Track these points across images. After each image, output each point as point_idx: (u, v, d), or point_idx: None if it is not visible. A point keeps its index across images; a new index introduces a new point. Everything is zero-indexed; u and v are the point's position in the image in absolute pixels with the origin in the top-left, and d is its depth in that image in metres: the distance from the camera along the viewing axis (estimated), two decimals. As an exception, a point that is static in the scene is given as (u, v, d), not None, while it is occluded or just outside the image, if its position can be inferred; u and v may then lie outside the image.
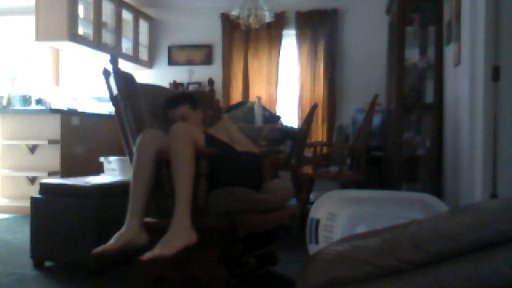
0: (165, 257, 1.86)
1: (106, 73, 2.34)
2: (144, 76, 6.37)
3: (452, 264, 1.32)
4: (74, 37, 5.09)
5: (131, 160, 2.23)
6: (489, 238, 1.31)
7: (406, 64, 4.41)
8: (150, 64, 6.64)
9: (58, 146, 4.38)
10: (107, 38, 5.74)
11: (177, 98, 2.53)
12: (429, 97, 4.54)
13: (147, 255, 1.86)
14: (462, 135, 3.41)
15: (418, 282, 1.33)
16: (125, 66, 5.96)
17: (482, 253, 1.31)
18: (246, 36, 6.24)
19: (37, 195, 2.79)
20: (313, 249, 2.48)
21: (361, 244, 1.53)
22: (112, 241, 2.02)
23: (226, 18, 6.22)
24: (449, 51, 3.96)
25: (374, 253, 1.42)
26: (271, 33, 6.17)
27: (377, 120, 5.11)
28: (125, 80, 2.33)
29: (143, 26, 6.48)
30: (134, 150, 2.16)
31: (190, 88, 6.34)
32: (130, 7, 6.13)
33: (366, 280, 1.40)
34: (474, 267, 1.28)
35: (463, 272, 1.29)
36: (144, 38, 6.49)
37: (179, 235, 1.92)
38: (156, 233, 2.00)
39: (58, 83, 6.37)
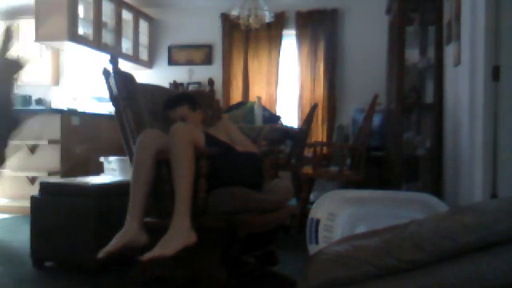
0: (165, 257, 1.86)
1: (106, 73, 2.34)
2: (144, 76, 6.37)
3: (452, 264, 1.32)
4: (74, 37, 5.09)
5: (131, 160, 2.24)
6: (488, 239, 1.31)
7: (406, 64, 4.41)
8: (150, 64, 6.63)
9: (58, 145, 4.38)
10: (107, 38, 5.74)
11: (176, 98, 2.53)
12: (429, 97, 4.54)
13: (147, 255, 1.86)
14: (462, 135, 3.41)
15: (418, 281, 1.33)
16: (125, 66, 5.95)
17: (481, 253, 1.31)
18: (245, 36, 6.23)
19: (37, 195, 2.79)
20: (313, 249, 2.48)
21: (360, 244, 1.53)
22: (113, 241, 2.02)
23: (226, 18, 6.22)
24: (449, 51, 3.96)
25: (374, 252, 1.42)
26: (271, 33, 6.17)
27: (377, 120, 5.11)
28: (125, 80, 2.33)
29: (143, 26, 6.48)
30: (134, 150, 2.16)
31: (190, 88, 6.34)
32: (130, 7, 6.13)
33: (365, 280, 1.40)
34: (474, 267, 1.28)
35: (463, 272, 1.29)
36: (144, 37, 6.49)
37: (179, 235, 1.92)
38: (156, 233, 2.00)
39: (57, 83, 6.37)
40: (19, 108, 4.68)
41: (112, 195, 2.69)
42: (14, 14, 6.24)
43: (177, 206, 1.98)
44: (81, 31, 5.27)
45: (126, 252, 2.04)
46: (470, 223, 1.35)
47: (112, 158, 3.16)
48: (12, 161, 4.57)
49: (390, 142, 4.62)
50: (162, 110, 2.49)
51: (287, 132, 4.46)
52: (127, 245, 2.02)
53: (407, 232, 1.46)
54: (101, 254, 1.98)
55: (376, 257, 1.40)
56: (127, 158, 2.38)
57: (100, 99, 5.58)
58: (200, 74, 6.39)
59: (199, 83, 6.41)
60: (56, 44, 5.33)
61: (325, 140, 5.91)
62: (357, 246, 1.52)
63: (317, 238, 2.53)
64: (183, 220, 1.96)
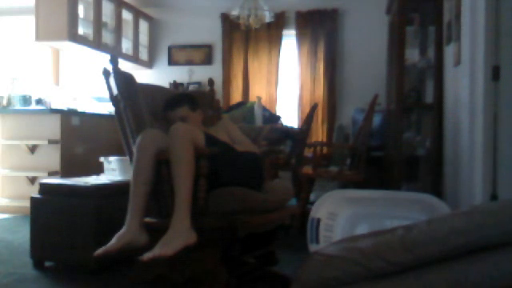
0: (165, 257, 1.86)
1: (105, 73, 2.34)
2: (144, 76, 6.37)
3: (440, 267, 1.32)
4: (74, 37, 5.09)
5: (131, 160, 2.23)
6: (477, 243, 1.30)
7: (406, 64, 4.41)
8: (150, 64, 6.63)
9: (58, 146, 4.38)
10: (107, 37, 5.74)
11: (176, 98, 2.52)
12: (429, 97, 4.54)
13: (147, 255, 1.86)
14: (462, 135, 3.41)
15: (406, 284, 1.33)
16: (125, 66, 5.96)
17: (470, 257, 1.31)
18: (246, 36, 6.24)
19: (37, 195, 2.79)
20: (313, 248, 2.49)
21: (352, 245, 1.53)
22: (113, 241, 2.02)
23: (226, 18, 6.22)
24: (449, 51, 3.96)
25: (363, 254, 1.42)
26: (271, 33, 6.17)
27: (377, 120, 5.11)
28: (125, 80, 2.33)
29: (143, 25, 6.48)
30: (134, 150, 2.16)
31: (190, 88, 6.34)
32: (130, 7, 6.13)
33: (353, 281, 1.40)
34: (462, 271, 1.28)
35: (452, 276, 1.29)
36: (144, 38, 6.49)
37: (179, 235, 1.92)
38: (156, 233, 2.00)
39: (57, 83, 6.37)
40: (19, 108, 4.68)
41: (112, 195, 2.69)
42: (14, 13, 6.25)
43: (177, 206, 1.98)
44: (81, 31, 5.27)
45: (126, 252, 2.04)
46: (459, 227, 1.34)
47: (112, 158, 3.15)
48: (12, 161, 4.58)
49: (390, 142, 4.62)
50: (162, 110, 2.49)
51: (287, 132, 4.46)
52: (127, 245, 2.02)
53: (398, 234, 1.46)
54: (99, 251, 1.98)
55: (365, 258, 1.40)
56: (127, 157, 2.38)
57: (100, 99, 5.57)
58: (200, 74, 6.39)
59: (199, 83, 6.41)
60: (56, 44, 5.33)
61: (325, 140, 5.91)
62: (348, 248, 1.52)
63: (317, 237, 2.53)
64: (183, 220, 1.96)
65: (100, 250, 1.99)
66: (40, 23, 5.04)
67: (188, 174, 2.02)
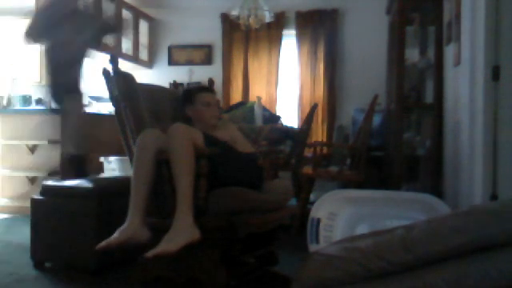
0: (169, 253, 1.87)
1: (106, 73, 2.34)
2: (144, 76, 6.35)
3: (441, 267, 1.32)
4: (74, 37, 5.08)
5: (131, 160, 2.24)
6: (477, 242, 1.30)
7: (406, 64, 4.41)
8: (150, 64, 6.63)
9: (58, 146, 4.38)
10: (107, 37, 5.72)
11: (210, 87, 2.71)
12: (429, 97, 4.54)
13: (151, 252, 1.87)
14: (462, 135, 3.41)
15: (406, 284, 1.33)
16: (125, 66, 5.94)
17: (471, 257, 1.31)
18: (246, 36, 6.23)
19: (37, 197, 2.79)
20: (313, 248, 2.48)
21: (352, 245, 1.53)
22: (115, 235, 2.02)
23: (226, 18, 6.22)
24: (449, 51, 3.96)
25: (363, 254, 1.42)
26: (271, 33, 6.17)
27: (377, 120, 5.11)
28: (125, 80, 2.33)
29: (143, 25, 6.47)
30: (135, 149, 2.17)
31: (190, 88, 6.33)
32: (129, 7, 6.13)
33: (353, 282, 1.40)
34: (462, 271, 1.28)
35: (452, 276, 1.28)
36: (144, 38, 6.48)
37: (182, 232, 1.93)
38: (158, 233, 2.00)
39: (58, 83, 6.35)
40: (19, 108, 4.68)
41: (112, 196, 2.68)
42: (15, 13, 6.24)
43: (179, 204, 1.99)
44: (81, 31, 5.26)
45: (128, 248, 2.04)
46: (459, 227, 1.34)
47: (112, 158, 3.16)
48: (12, 161, 4.58)
49: (390, 142, 4.62)
50: (195, 91, 2.55)
51: (287, 132, 4.46)
52: (130, 239, 2.02)
53: (398, 234, 1.46)
54: (102, 244, 1.99)
55: (365, 258, 1.39)
56: (127, 158, 2.38)
57: (100, 99, 5.57)
58: (200, 74, 6.38)
59: (199, 83, 6.40)
60: (56, 44, 5.32)
61: (325, 140, 5.91)
62: (348, 248, 1.52)
63: (317, 237, 2.53)
64: (186, 217, 1.96)
65: (103, 243, 1.99)
66: (40, 23, 5.02)
67: (189, 171, 2.02)
